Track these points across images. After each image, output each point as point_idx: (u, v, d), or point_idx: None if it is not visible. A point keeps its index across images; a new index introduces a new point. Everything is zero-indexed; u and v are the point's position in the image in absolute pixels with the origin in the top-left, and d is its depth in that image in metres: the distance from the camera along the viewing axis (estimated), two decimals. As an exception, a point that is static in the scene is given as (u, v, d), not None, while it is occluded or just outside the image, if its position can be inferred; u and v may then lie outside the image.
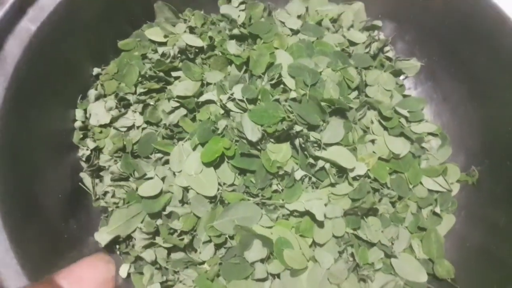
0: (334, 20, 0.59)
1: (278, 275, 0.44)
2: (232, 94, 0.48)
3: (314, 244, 0.45)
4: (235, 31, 0.54)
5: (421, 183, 0.51)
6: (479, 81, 0.51)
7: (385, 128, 0.52)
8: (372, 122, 0.52)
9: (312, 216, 0.44)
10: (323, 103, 0.49)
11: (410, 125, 0.54)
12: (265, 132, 0.47)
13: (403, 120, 0.53)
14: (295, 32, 0.57)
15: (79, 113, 0.50)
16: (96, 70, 0.52)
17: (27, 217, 0.39)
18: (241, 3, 0.58)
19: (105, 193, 0.48)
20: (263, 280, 0.43)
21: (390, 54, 0.59)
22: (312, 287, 0.43)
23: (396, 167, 0.51)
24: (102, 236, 0.45)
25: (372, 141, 0.51)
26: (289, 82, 0.50)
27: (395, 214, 0.49)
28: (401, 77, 0.59)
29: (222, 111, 0.49)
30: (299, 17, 0.59)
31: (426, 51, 0.56)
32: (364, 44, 0.57)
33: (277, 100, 0.49)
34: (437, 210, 0.49)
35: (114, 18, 0.52)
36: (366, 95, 0.54)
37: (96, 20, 0.50)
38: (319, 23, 0.58)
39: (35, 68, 0.44)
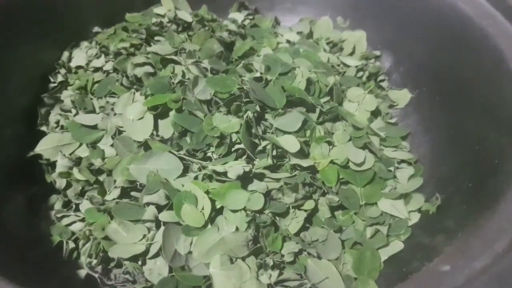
0: (334, 44, 0.60)
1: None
2: (199, 61, 0.49)
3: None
4: (232, 26, 0.57)
5: (376, 203, 0.44)
6: (458, 111, 0.46)
7: (350, 139, 0.48)
8: (337, 130, 0.48)
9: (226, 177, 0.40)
10: (286, 93, 0.47)
11: (384, 150, 0.49)
12: (216, 98, 0.46)
13: (375, 139, 0.49)
14: (291, 44, 0.58)
15: (65, 55, 0.53)
16: (96, 28, 0.56)
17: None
18: (249, 14, 0.62)
19: (47, 120, 0.49)
20: (151, 221, 0.38)
21: (384, 85, 0.56)
22: (200, 250, 0.37)
23: (351, 178, 0.45)
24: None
25: (329, 143, 0.46)
26: (258, 66, 0.50)
27: (331, 220, 0.42)
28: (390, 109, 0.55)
29: (187, 76, 0.49)
30: (299, 33, 0.60)
31: (417, 82, 0.53)
32: (357, 68, 0.56)
33: (241, 77, 0.48)
34: (384, 231, 0.42)
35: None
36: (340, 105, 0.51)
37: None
38: (316, 41, 0.59)
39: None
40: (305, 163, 0.44)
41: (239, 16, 0.61)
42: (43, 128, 0.48)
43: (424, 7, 0.53)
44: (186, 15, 0.55)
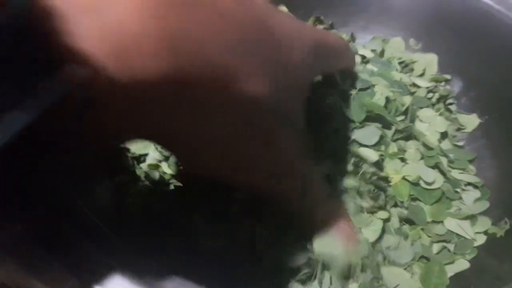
0: (405, 65, 0.62)
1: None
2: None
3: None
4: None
5: (442, 222, 0.47)
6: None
7: (422, 158, 0.50)
8: (410, 148, 0.51)
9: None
10: (365, 108, 0.50)
11: (451, 171, 0.52)
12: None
13: (444, 160, 0.51)
14: (365, 61, 0.61)
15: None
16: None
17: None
18: (324, 28, 0.65)
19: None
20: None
21: (452, 108, 0.59)
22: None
23: (421, 195, 0.48)
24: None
25: (403, 160, 0.49)
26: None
27: (400, 230, 0.45)
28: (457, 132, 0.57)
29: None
30: (373, 51, 0.63)
31: (487, 108, 0.55)
32: (427, 89, 0.59)
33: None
34: (450, 248, 0.44)
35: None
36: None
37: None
38: (388, 60, 0.62)
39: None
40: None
41: (317, 31, 0.64)
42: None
43: (498, 36, 0.56)
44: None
